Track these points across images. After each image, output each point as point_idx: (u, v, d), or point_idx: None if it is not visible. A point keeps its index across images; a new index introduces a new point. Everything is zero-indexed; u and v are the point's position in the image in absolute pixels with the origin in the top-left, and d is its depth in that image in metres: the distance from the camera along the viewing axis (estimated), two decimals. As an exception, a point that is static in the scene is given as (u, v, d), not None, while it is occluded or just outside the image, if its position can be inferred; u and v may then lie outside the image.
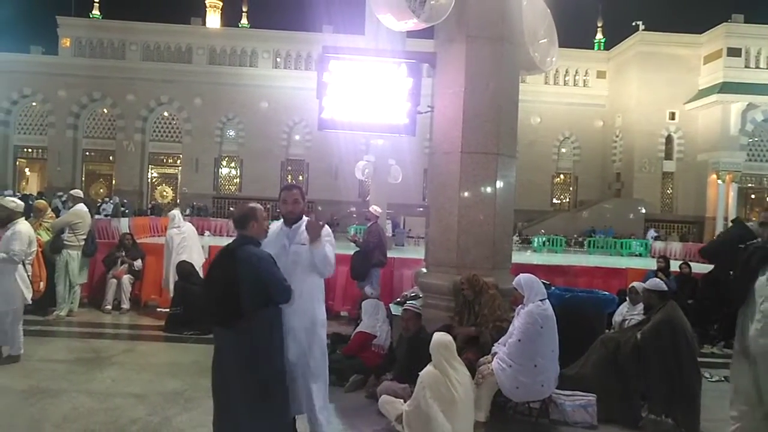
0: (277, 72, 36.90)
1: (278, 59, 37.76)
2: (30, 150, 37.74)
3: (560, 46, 7.17)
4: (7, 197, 6.90)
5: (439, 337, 4.24)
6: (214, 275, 3.57)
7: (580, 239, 29.56)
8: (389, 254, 8.99)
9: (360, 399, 5.26)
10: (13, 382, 5.36)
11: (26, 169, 38.96)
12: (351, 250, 8.38)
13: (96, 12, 44.10)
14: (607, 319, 6.77)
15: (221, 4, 47.64)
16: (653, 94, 34.25)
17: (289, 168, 37.30)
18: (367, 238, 8.30)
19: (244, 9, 48.67)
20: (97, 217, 20.91)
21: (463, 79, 6.00)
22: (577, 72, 38.29)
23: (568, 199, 38.95)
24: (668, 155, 35.55)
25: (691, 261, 11.08)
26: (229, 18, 47.54)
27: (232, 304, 3.33)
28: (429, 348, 4.24)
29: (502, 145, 6.07)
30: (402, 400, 4.43)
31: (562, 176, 38.95)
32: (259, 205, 3.69)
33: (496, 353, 4.73)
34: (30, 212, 8.25)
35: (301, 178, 36.85)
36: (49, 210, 9.00)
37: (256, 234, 3.59)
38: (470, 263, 5.82)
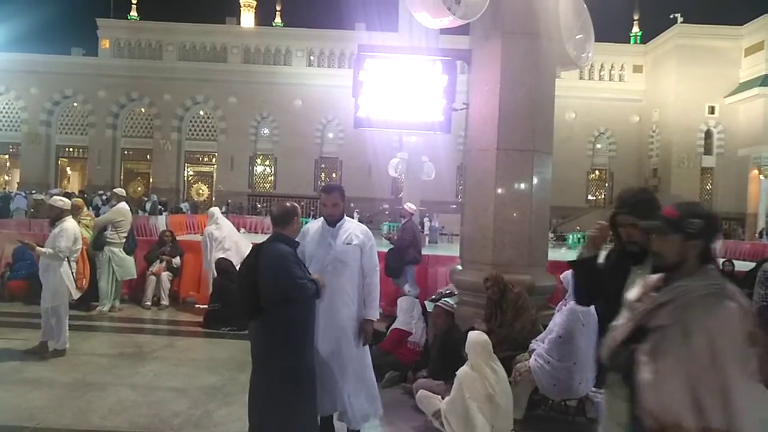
0: (310, 70, 37.18)
1: (312, 57, 38.04)
2: (71, 149, 38.84)
3: (596, 40, 7.05)
4: (55, 197, 7.12)
5: (476, 337, 4.23)
6: (242, 270, 3.68)
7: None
8: (423, 251, 8.99)
9: (396, 395, 5.28)
10: (60, 375, 5.54)
11: (68, 168, 40.11)
12: (385, 247, 8.40)
13: (134, 13, 45.06)
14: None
15: (255, 3, 48.13)
16: (692, 88, 33.40)
17: (323, 166, 37.57)
18: (401, 236, 8.32)
19: (278, 8, 49.10)
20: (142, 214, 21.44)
21: (498, 76, 5.96)
22: (612, 66, 37.60)
23: (603, 196, 38.30)
24: (708, 150, 34.67)
25: (734, 259, 10.79)
26: (263, 17, 48.04)
27: (253, 299, 3.40)
28: (462, 346, 4.23)
29: (538, 142, 6.01)
30: (440, 397, 4.44)
31: (597, 172, 38.33)
32: (297, 205, 3.73)
33: (534, 350, 4.70)
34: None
35: (334, 175, 37.08)
36: (85, 208, 9.23)
37: (292, 233, 3.63)
38: (506, 261, 5.78)
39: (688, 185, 34.01)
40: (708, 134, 34.56)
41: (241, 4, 47.29)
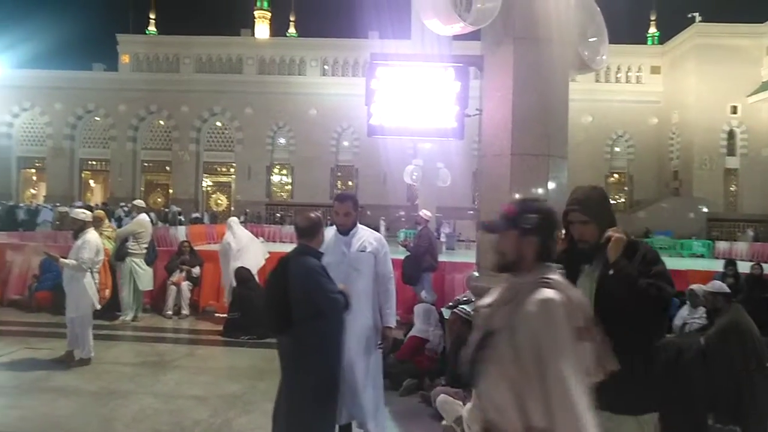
0: (325, 79, 37.46)
1: (326, 67, 38.33)
2: (94, 162, 39.52)
3: (612, 42, 7.03)
4: (77, 209, 7.29)
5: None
6: (271, 283, 3.67)
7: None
8: (440, 258, 9.00)
9: (413, 403, 5.29)
10: (85, 383, 5.65)
11: (91, 181, 40.81)
12: (402, 254, 8.43)
13: (152, 28, 45.84)
14: (667, 323, 6.58)
15: (270, 14, 48.68)
16: (712, 88, 33.00)
17: (339, 174, 37.75)
18: (417, 243, 8.34)
19: (292, 18, 49.63)
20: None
21: (510, 82, 5.96)
22: (629, 68, 37.30)
23: (623, 199, 37.93)
24: (731, 151, 34.19)
25: (763, 262, 10.62)
26: (278, 28, 48.57)
27: (283, 312, 3.41)
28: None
29: (553, 146, 5.99)
30: (461, 402, 4.44)
31: (616, 175, 37.99)
32: (321, 216, 3.75)
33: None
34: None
35: (350, 183, 37.24)
36: (107, 220, 9.40)
37: (318, 245, 3.63)
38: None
39: (711, 187, 33.56)
40: (731, 134, 34.09)
41: (256, 16, 47.86)
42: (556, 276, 1.95)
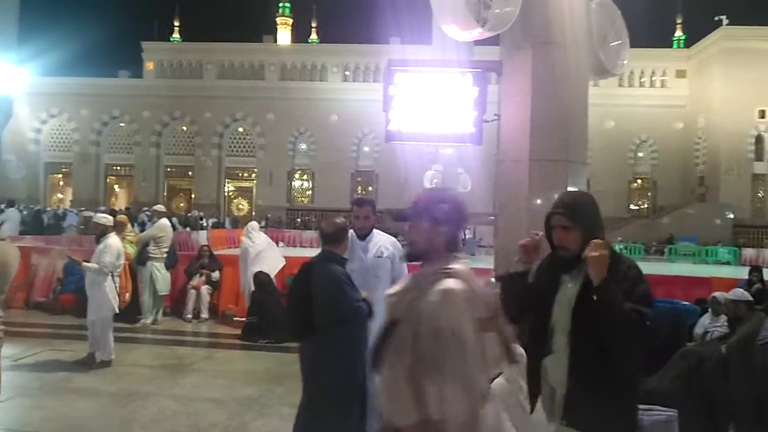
0: (346, 85, 37.63)
1: (347, 72, 38.51)
2: (118, 168, 40.19)
3: (637, 45, 6.96)
4: (99, 214, 7.43)
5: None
6: (294, 289, 3.67)
7: (661, 247, 28.22)
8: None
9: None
10: (106, 385, 5.74)
11: (115, 186, 41.49)
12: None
13: (176, 35, 46.56)
14: (687, 332, 6.47)
15: (291, 21, 49.16)
16: (740, 92, 32.39)
17: (359, 179, 37.85)
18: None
19: (314, 25, 50.02)
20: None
21: (529, 87, 5.93)
22: (654, 72, 36.82)
23: (646, 205, 37.39)
24: (758, 156, 33.53)
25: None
26: (299, 34, 49.00)
27: (306, 319, 3.41)
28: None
29: (572, 152, 5.95)
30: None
31: (639, 181, 37.47)
32: (347, 222, 3.71)
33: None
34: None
35: (370, 188, 37.31)
36: (129, 225, 9.54)
37: (343, 251, 3.60)
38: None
39: (739, 193, 32.91)
40: (758, 139, 33.43)
41: (278, 23, 48.39)
42: (460, 266, 1.90)
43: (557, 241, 2.48)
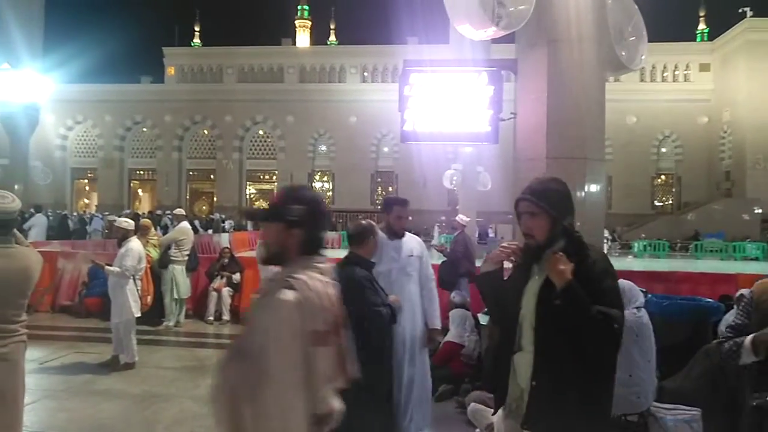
0: (364, 86, 37.71)
1: (365, 73, 38.61)
2: (141, 172, 40.80)
3: (659, 39, 6.87)
4: (120, 218, 7.56)
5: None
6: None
7: (686, 243, 27.75)
8: (478, 263, 8.92)
9: (449, 409, 5.27)
10: (130, 387, 5.84)
11: (139, 190, 42.13)
12: (438, 259, 8.40)
13: (197, 40, 47.09)
14: (711, 329, 6.36)
15: (310, 23, 49.39)
16: (765, 85, 31.73)
17: (379, 180, 37.90)
18: (453, 248, 8.30)
19: (332, 27, 50.21)
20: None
21: (545, 84, 5.89)
22: (676, 66, 36.25)
23: (671, 201, 36.80)
24: (786, 149, 32.79)
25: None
26: (318, 36, 49.22)
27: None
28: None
29: (589, 149, 5.89)
30: (492, 411, 4.40)
31: (663, 177, 36.90)
32: (374, 223, 3.63)
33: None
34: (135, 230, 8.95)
35: (390, 189, 37.33)
36: (153, 229, 9.66)
37: (368, 252, 3.54)
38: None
39: (766, 187, 32.23)
40: (785, 132, 32.72)
41: (297, 26, 48.63)
42: (305, 275, 1.78)
43: (524, 228, 2.34)
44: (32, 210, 19.39)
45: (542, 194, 2.32)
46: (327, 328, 1.78)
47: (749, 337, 2.64)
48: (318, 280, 1.82)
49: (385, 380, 3.48)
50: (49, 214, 22.59)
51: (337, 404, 1.86)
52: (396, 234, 3.91)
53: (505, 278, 2.43)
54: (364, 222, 3.63)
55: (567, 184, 5.64)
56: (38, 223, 17.87)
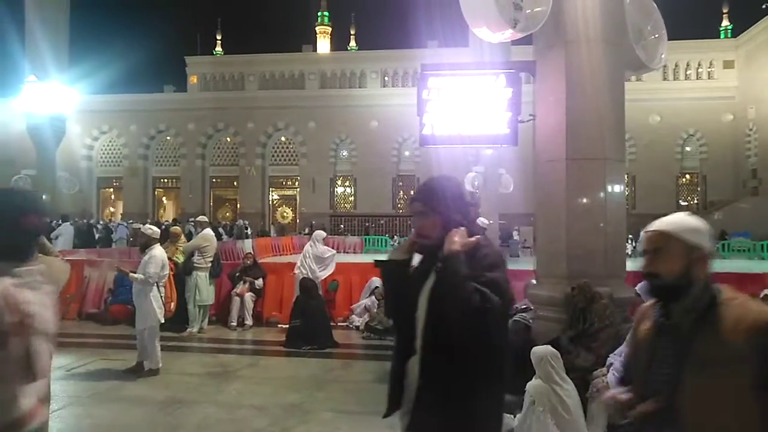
0: (385, 91, 37.76)
1: (386, 78, 38.66)
2: (166, 180, 41.34)
3: (682, 37, 6.78)
4: (144, 225, 7.68)
5: (543, 350, 4.15)
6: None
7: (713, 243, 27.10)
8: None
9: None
10: (154, 392, 5.91)
11: (163, 198, 42.69)
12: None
13: (219, 49, 47.66)
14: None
15: (330, 29, 49.67)
16: (792, 81, 31.05)
17: (401, 184, 37.87)
18: (474, 251, 8.26)
19: (352, 32, 50.41)
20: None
21: (563, 85, 5.85)
22: (699, 64, 35.62)
23: (696, 201, 36.12)
24: (816, 146, 31.98)
25: None
26: (338, 42, 49.45)
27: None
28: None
29: (609, 150, 5.84)
30: (512, 415, 4.37)
31: (687, 176, 36.22)
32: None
33: (611, 364, 4.54)
34: (164, 238, 9.09)
35: (412, 193, 37.11)
36: (182, 236, 9.81)
37: None
38: (581, 273, 5.61)
39: (795, 185, 31.52)
40: (813, 129, 31.93)
41: (317, 32, 48.94)
42: None
43: (417, 228, 2.28)
44: (59, 219, 19.79)
45: (432, 193, 2.28)
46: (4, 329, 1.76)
47: None
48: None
49: None
50: (75, 222, 23.00)
51: (38, 411, 1.84)
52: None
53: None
54: None
55: (586, 184, 5.54)
56: (65, 232, 18.24)
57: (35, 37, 25.91)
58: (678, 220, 1.89)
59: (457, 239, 2.12)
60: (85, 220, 25.48)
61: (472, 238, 2.15)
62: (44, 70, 26.02)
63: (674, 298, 1.86)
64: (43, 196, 26.38)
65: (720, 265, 18.14)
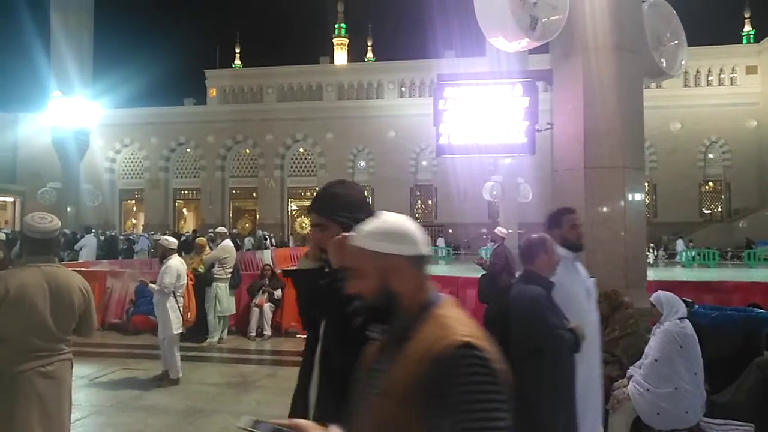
0: (402, 101, 37.92)
1: (403, 88, 38.84)
2: (186, 192, 41.83)
3: (703, 43, 6.73)
4: (163, 236, 7.78)
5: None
6: (490, 315, 3.28)
7: (738, 252, 26.69)
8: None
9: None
10: (174, 402, 5.96)
11: (184, 210, 43.18)
12: (478, 273, 8.34)
13: (237, 62, 48.29)
14: (765, 341, 6.10)
15: (347, 41, 50.06)
16: (817, 86, 30.52)
17: (418, 193, 37.90)
18: (493, 261, 8.21)
19: (369, 43, 50.76)
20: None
21: (581, 94, 5.83)
22: (722, 70, 35.20)
23: (720, 209, 35.55)
24: (842, 152, 31.36)
25: None
26: (355, 53, 49.81)
27: (501, 346, 2.96)
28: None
29: (628, 158, 5.79)
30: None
31: (710, 184, 35.69)
32: (547, 236, 3.24)
33: (632, 376, 4.48)
34: (182, 249, 9.18)
35: (430, 202, 37.29)
36: (207, 247, 9.89)
37: (542, 269, 3.10)
38: (600, 283, 5.54)
39: (822, 191, 30.90)
40: (840, 134, 31.32)
41: (335, 44, 49.37)
42: None
43: (315, 242, 2.08)
44: (84, 231, 20.11)
45: (327, 203, 2.08)
46: None
47: None
48: None
49: (568, 417, 3.00)
50: (98, 234, 23.33)
51: None
52: (575, 245, 3.42)
53: None
54: (534, 236, 3.20)
55: (605, 193, 5.47)
56: (89, 244, 18.50)
57: (60, 54, 26.52)
58: (364, 228, 1.50)
59: (337, 252, 1.89)
60: (108, 232, 25.85)
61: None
62: (69, 86, 26.61)
63: (385, 319, 1.52)
64: (68, 209, 26.89)
65: (746, 275, 17.93)
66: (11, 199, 39.40)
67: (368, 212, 2.02)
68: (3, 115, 38.70)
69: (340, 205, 2.04)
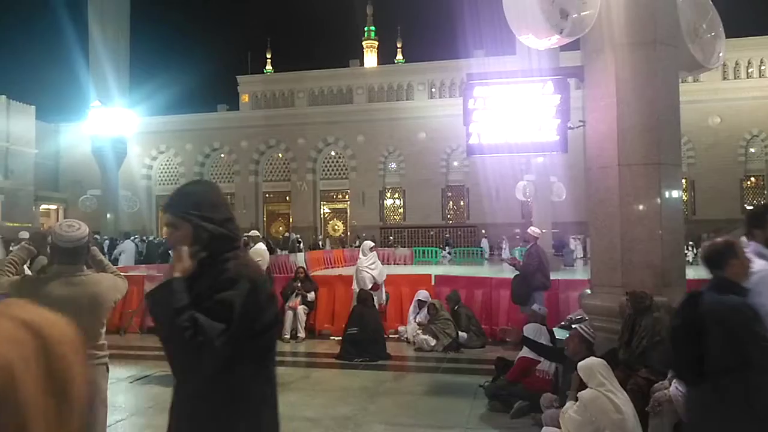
0: (432, 102, 37.83)
1: (433, 89, 38.75)
2: (221, 196, 42.51)
3: (742, 35, 6.52)
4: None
5: (591, 362, 4.05)
6: (679, 323, 3.03)
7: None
8: (553, 276, 8.69)
9: (526, 425, 5.13)
10: (210, 404, 6.04)
11: (219, 214, 43.85)
12: (511, 273, 8.27)
13: (269, 67, 48.89)
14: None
15: (377, 43, 50.22)
16: None
17: (450, 194, 37.72)
18: (526, 261, 8.13)
19: (399, 45, 50.85)
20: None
21: (614, 90, 5.72)
22: (762, 61, 34.10)
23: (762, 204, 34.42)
24: None
25: None
26: (385, 55, 49.97)
27: (695, 361, 2.80)
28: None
29: (664, 154, 5.65)
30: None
31: (752, 179, 34.60)
32: (736, 240, 3.03)
33: (673, 378, 4.36)
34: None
35: (462, 203, 37.07)
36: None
37: (735, 275, 2.87)
38: (637, 282, 5.44)
39: None
40: None
41: (364, 47, 49.59)
42: None
43: (169, 242, 2.05)
44: (123, 237, 20.61)
45: (178, 202, 2.05)
46: None
47: None
48: None
49: None
50: (137, 240, 23.88)
51: None
52: None
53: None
54: (719, 240, 3.01)
55: (640, 191, 5.36)
56: (127, 249, 18.97)
57: (99, 65, 27.26)
58: None
59: (178, 263, 1.92)
60: (145, 238, 26.44)
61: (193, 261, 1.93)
62: (107, 96, 27.33)
63: None
64: (107, 215, 27.60)
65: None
66: (54, 207, 40.69)
67: (223, 212, 2.05)
68: (46, 125, 39.96)
69: (192, 204, 2.00)
